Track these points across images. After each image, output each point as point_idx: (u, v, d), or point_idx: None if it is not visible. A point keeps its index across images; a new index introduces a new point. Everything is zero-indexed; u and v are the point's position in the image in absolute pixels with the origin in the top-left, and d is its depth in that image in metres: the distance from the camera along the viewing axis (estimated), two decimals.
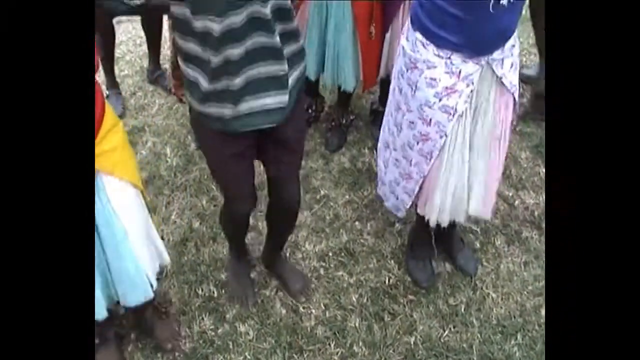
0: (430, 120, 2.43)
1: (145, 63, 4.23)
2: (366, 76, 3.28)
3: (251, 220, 3.04)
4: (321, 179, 3.42)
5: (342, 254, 3.03)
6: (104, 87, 3.89)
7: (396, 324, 2.76)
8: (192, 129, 2.49)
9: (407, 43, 2.44)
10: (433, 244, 2.98)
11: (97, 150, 1.99)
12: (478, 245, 3.10)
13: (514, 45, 2.41)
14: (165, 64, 4.10)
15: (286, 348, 2.67)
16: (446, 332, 2.74)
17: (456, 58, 2.33)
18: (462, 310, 2.81)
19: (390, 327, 2.75)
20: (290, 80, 2.17)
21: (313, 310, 2.80)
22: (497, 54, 2.36)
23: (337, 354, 2.67)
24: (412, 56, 2.41)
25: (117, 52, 3.99)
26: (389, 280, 2.92)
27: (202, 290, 2.87)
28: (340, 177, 3.44)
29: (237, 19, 1.96)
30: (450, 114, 2.39)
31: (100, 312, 2.28)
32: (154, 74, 4.09)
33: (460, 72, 2.34)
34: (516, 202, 3.33)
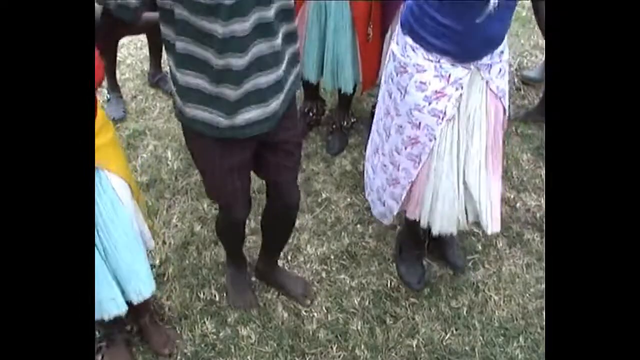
0: (420, 123, 2.44)
1: (146, 66, 4.23)
2: (365, 78, 3.28)
3: (252, 224, 3.05)
4: (322, 182, 3.42)
5: (344, 257, 3.03)
6: (105, 91, 3.89)
7: (398, 327, 2.75)
8: (186, 140, 2.39)
9: (397, 47, 2.46)
10: (424, 246, 3.01)
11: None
12: (480, 247, 3.09)
13: (502, 52, 2.42)
14: (167, 67, 4.10)
15: (288, 351, 2.67)
16: (448, 335, 2.73)
17: (445, 62, 2.34)
18: (464, 312, 2.81)
19: (393, 330, 2.74)
20: (287, 84, 2.16)
21: (315, 314, 2.80)
22: (486, 59, 2.38)
23: (339, 357, 2.66)
24: (401, 60, 2.42)
25: (118, 56, 3.99)
26: (390, 283, 2.92)
27: (203, 294, 2.87)
28: (342, 180, 3.44)
29: (242, 26, 1.93)
30: (440, 117, 2.40)
31: (122, 306, 2.31)
32: (155, 77, 4.09)
33: (449, 76, 2.36)
34: (518, 204, 3.32)
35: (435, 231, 2.68)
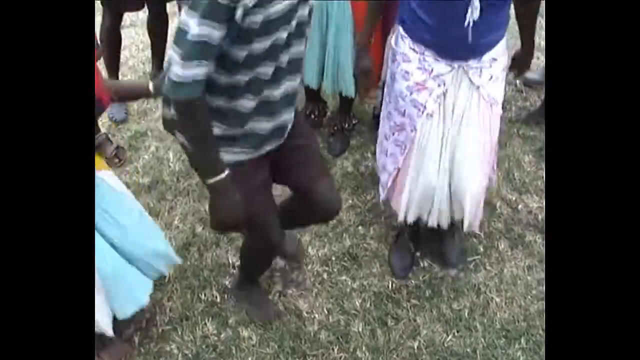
0: (405, 111, 2.53)
1: (148, 68, 4.23)
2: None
3: None
4: None
5: (345, 259, 3.03)
6: None
7: (399, 329, 2.75)
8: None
9: (394, 36, 2.58)
10: (415, 237, 3.04)
11: None
12: (481, 249, 3.09)
13: (495, 59, 2.43)
14: None
15: (289, 353, 2.66)
16: (450, 336, 2.73)
17: (429, 55, 2.41)
18: (466, 314, 2.80)
19: (394, 332, 2.74)
20: (297, 96, 2.21)
21: (316, 315, 2.80)
22: (473, 63, 2.41)
23: (340, 359, 2.66)
24: (394, 49, 2.54)
25: (120, 58, 3.99)
26: (392, 285, 2.92)
27: (204, 295, 2.87)
28: (343, 181, 3.44)
29: (274, 93, 2.02)
30: (419, 109, 2.47)
31: (143, 297, 2.40)
32: (157, 78, 4.09)
33: (432, 70, 2.42)
34: (519, 206, 3.32)
35: (409, 219, 2.73)
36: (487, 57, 2.41)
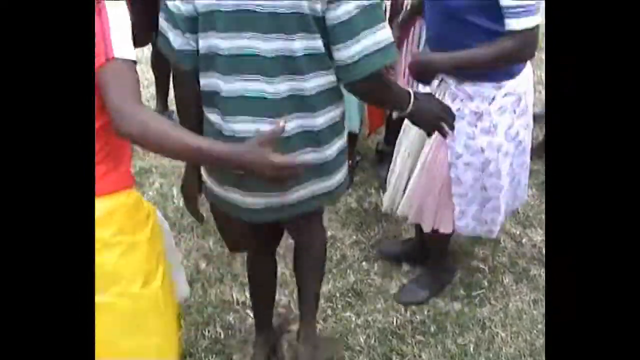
0: None
1: (153, 105, 4.27)
2: (372, 117, 3.30)
3: None
4: (328, 219, 3.42)
5: (350, 295, 3.02)
6: None
7: None
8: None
9: None
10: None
11: None
12: (486, 283, 3.08)
13: (472, 97, 2.45)
14: (173, 106, 4.14)
15: None
16: None
17: None
18: (471, 350, 2.78)
19: None
20: None
21: None
22: (452, 82, 2.46)
23: None
24: None
25: None
26: (396, 321, 2.90)
27: (208, 332, 2.86)
28: (347, 217, 3.45)
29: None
30: None
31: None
32: (162, 115, 4.12)
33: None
34: (523, 240, 3.32)
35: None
36: (466, 86, 2.45)
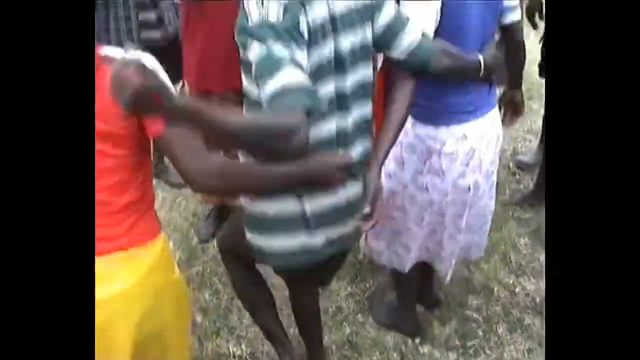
0: None
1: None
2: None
3: None
4: None
5: (345, 347, 3.03)
6: None
7: None
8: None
9: None
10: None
11: None
12: (480, 333, 3.09)
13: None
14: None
15: None
16: None
17: None
18: None
19: None
20: None
21: None
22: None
23: None
24: None
25: None
26: None
27: None
28: (342, 269, 3.46)
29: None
30: None
31: None
32: (157, 167, 4.16)
33: None
34: (517, 289, 3.34)
35: None
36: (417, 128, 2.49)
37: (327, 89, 1.94)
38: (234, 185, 1.70)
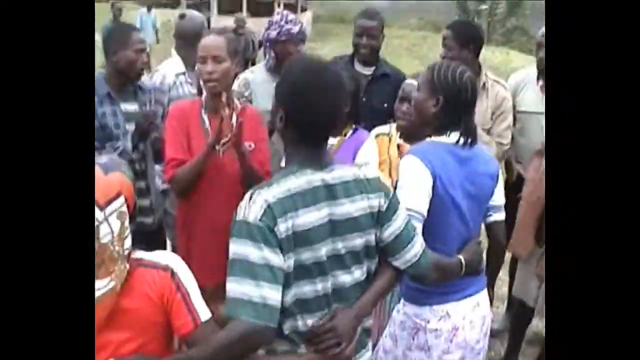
0: None
1: None
2: None
3: None
4: None
5: None
6: None
7: None
8: None
9: None
10: None
11: None
12: None
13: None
14: None
15: None
16: None
17: None
18: None
19: None
20: None
21: None
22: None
23: None
24: None
25: None
26: None
27: None
28: None
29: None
30: None
31: None
32: None
33: None
34: None
35: None
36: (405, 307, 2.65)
37: (324, 284, 2.01)
38: None
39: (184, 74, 4.03)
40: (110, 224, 1.80)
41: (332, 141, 2.86)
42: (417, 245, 2.17)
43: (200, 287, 3.06)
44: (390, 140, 3.18)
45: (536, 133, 3.89)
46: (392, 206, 2.10)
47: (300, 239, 1.92)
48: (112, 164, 1.90)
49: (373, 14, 4.08)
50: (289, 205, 1.90)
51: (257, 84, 3.82)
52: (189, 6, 23.45)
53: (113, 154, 3.34)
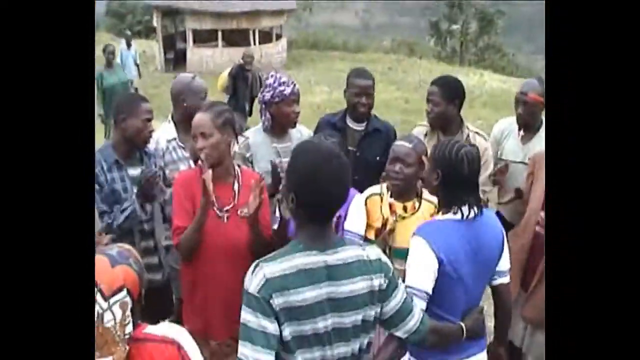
0: None
1: None
2: None
3: None
4: None
5: None
6: None
7: None
8: None
9: None
10: None
11: None
12: None
13: None
14: None
15: None
16: None
17: None
18: None
19: None
20: None
21: None
22: None
23: None
24: None
25: None
26: None
27: None
28: None
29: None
30: None
31: None
32: None
33: None
34: None
35: None
36: None
37: (322, 354, 2.22)
38: None
39: (175, 139, 4.24)
40: (113, 312, 2.07)
41: None
42: (417, 315, 2.42)
43: (208, 339, 3.26)
44: (382, 199, 3.40)
45: (517, 181, 4.18)
46: (392, 284, 2.32)
47: (296, 313, 2.15)
48: (120, 258, 2.16)
49: (365, 72, 4.36)
50: (286, 283, 2.14)
51: (257, 145, 4.01)
52: (164, 38, 23.64)
53: (124, 219, 3.56)
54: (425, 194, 3.30)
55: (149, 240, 3.88)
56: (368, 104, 4.26)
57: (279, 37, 24.13)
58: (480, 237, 2.73)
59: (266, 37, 23.56)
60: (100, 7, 35.43)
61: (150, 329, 2.20)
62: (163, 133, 4.25)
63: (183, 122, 4.19)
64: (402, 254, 2.95)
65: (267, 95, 3.97)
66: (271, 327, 2.13)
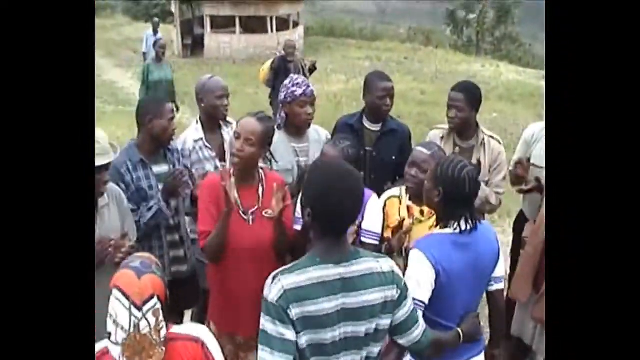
0: None
1: None
2: None
3: None
4: None
5: None
6: None
7: None
8: None
9: None
10: None
11: None
12: None
13: None
14: None
15: None
16: None
17: None
18: None
19: None
20: None
21: None
22: None
23: None
24: None
25: None
26: None
27: None
28: None
29: None
30: None
31: None
32: None
33: None
34: None
35: None
36: None
37: None
38: None
39: (201, 139, 4.42)
40: (148, 320, 2.26)
41: None
42: (421, 327, 2.59)
43: (234, 334, 3.41)
44: (400, 202, 3.52)
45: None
46: (403, 294, 2.49)
47: (312, 322, 2.30)
48: (144, 267, 2.33)
49: (385, 74, 4.52)
50: (303, 294, 2.29)
51: (276, 143, 4.07)
52: (182, 23, 23.68)
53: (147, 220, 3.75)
54: None
55: (175, 234, 4.11)
56: (390, 105, 4.41)
57: (296, 24, 24.10)
58: (476, 248, 2.88)
59: (283, 24, 23.51)
60: None
61: (176, 329, 2.39)
62: (190, 133, 4.45)
63: (207, 121, 4.38)
64: None
65: (282, 95, 4.14)
66: (289, 334, 2.28)
